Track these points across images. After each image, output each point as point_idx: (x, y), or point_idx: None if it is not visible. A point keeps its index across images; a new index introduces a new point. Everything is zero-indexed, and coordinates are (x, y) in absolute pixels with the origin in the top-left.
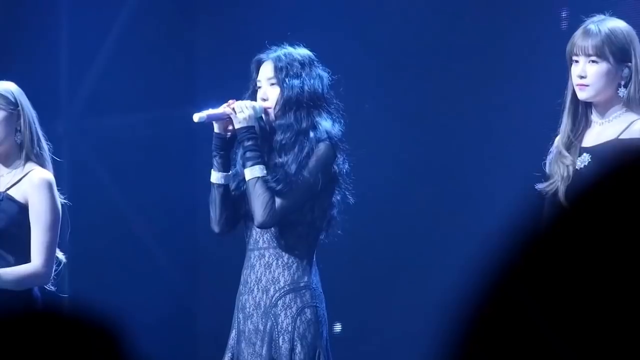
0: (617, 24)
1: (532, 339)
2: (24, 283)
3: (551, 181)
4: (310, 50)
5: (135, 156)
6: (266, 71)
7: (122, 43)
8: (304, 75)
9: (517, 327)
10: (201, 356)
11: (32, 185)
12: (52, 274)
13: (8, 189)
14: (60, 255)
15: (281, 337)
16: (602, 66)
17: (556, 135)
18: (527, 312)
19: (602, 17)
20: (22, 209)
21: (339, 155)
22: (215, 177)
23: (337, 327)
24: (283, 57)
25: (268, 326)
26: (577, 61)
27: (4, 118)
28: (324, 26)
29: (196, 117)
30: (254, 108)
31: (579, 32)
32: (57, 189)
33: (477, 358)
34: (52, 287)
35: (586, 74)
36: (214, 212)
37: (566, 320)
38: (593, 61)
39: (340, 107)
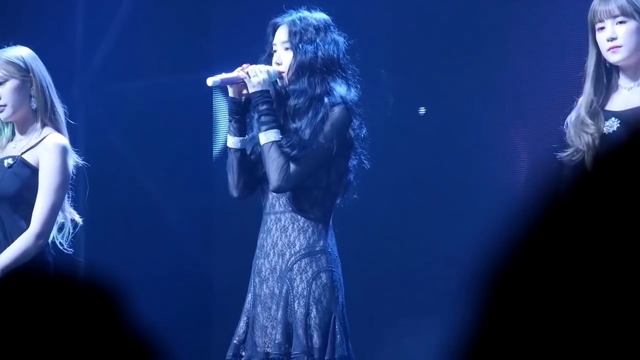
0: None
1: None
2: (23, 258)
3: (573, 150)
4: (328, 14)
5: (150, 121)
6: (281, 35)
7: (137, 8)
8: (318, 40)
9: (538, 311)
10: (217, 319)
11: (45, 148)
12: (49, 238)
13: (23, 153)
14: (77, 217)
15: (296, 301)
16: (631, 24)
17: (575, 103)
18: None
19: None
20: (35, 173)
21: (354, 120)
22: (232, 141)
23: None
24: (298, 22)
25: (284, 290)
26: (602, 27)
27: (16, 86)
28: None
29: (210, 81)
30: (268, 72)
31: (596, 0)
32: (74, 151)
33: (497, 333)
34: (70, 250)
35: (617, 35)
36: (232, 177)
37: (594, 299)
38: (621, 22)
39: (356, 72)
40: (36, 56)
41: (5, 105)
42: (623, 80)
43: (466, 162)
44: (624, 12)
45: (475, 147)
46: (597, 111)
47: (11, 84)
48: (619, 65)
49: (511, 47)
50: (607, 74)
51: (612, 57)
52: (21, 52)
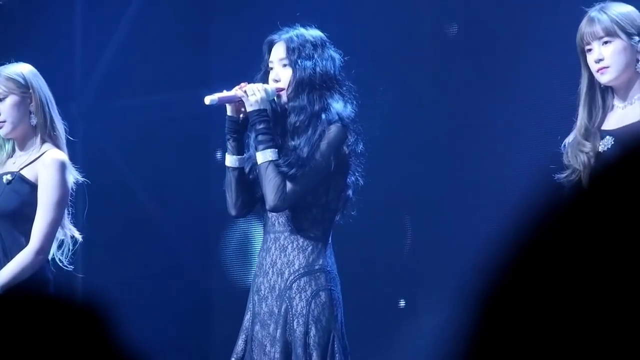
0: (618, 5)
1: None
2: (22, 275)
3: (571, 171)
4: (323, 32)
5: (148, 137)
6: (278, 52)
7: (136, 25)
8: (316, 56)
9: (540, 321)
10: (215, 336)
11: (44, 164)
12: (48, 253)
13: (22, 169)
14: (76, 234)
15: (296, 320)
16: (617, 44)
17: (573, 125)
18: (552, 303)
19: (602, 4)
20: (34, 189)
21: (349, 137)
22: (230, 160)
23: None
24: (295, 38)
25: (283, 309)
26: (590, 49)
27: (16, 102)
28: (337, 7)
29: (207, 99)
30: (265, 91)
31: (584, 22)
32: (74, 167)
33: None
34: (70, 267)
35: (603, 56)
36: (230, 196)
37: (598, 310)
38: (606, 42)
39: (352, 89)
40: (37, 73)
41: (4, 122)
42: (617, 100)
43: (467, 176)
44: (608, 33)
45: (475, 160)
46: (593, 132)
47: (11, 100)
48: (611, 85)
49: (511, 65)
50: (603, 95)
51: (602, 78)
52: (21, 69)
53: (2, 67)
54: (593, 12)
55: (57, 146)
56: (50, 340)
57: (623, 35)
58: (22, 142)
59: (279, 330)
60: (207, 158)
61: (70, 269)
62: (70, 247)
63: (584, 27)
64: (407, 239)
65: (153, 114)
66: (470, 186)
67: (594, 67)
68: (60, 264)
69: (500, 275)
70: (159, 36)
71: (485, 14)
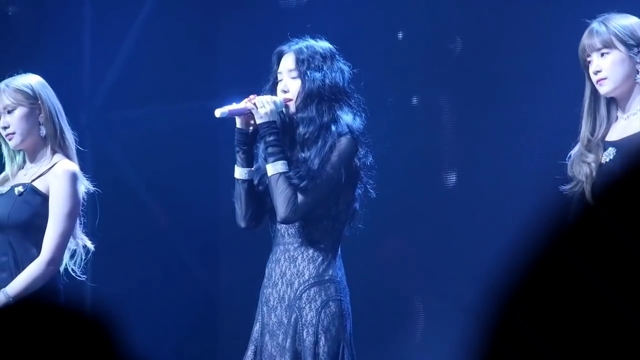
0: (621, 17)
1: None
2: (34, 286)
3: (575, 182)
4: (332, 44)
5: (157, 148)
6: (287, 63)
7: (145, 36)
8: (325, 68)
9: (545, 329)
10: (223, 347)
11: (55, 176)
12: (60, 264)
13: (33, 180)
14: (88, 243)
15: (305, 330)
16: (614, 55)
17: (577, 141)
18: (555, 314)
19: (605, 15)
20: (45, 200)
21: (360, 149)
22: (239, 172)
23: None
24: (305, 50)
25: (292, 319)
26: (590, 61)
27: (24, 114)
28: (346, 20)
29: (218, 112)
30: (274, 103)
31: (585, 34)
32: (85, 177)
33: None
34: (82, 277)
35: (601, 68)
36: (240, 208)
37: (598, 321)
38: (604, 54)
39: (361, 101)
40: (46, 84)
41: (14, 133)
42: (619, 111)
43: (474, 187)
44: (605, 45)
45: (495, 150)
46: (596, 143)
47: (20, 112)
48: (613, 97)
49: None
50: (607, 106)
51: (601, 90)
52: (30, 80)
53: (11, 78)
54: (594, 24)
55: (68, 156)
56: (60, 350)
57: (621, 47)
58: (33, 154)
59: (288, 340)
60: (215, 167)
61: (83, 279)
62: (83, 257)
63: (584, 39)
64: (415, 248)
65: (162, 124)
66: (477, 197)
67: (594, 78)
68: (73, 274)
69: (506, 287)
70: (167, 46)
71: (490, 25)
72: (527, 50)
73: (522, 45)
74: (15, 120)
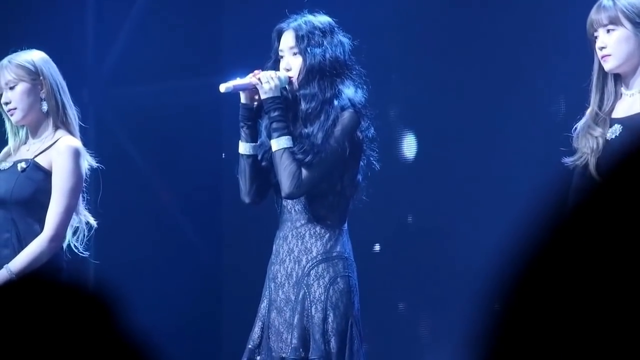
0: None
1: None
2: (37, 262)
3: (580, 154)
4: (331, 17)
5: (160, 124)
6: (288, 40)
7: (149, 11)
8: (325, 43)
9: (549, 312)
10: (227, 324)
11: (58, 152)
12: (63, 240)
13: (36, 156)
14: (91, 220)
15: (314, 307)
16: (620, 32)
17: (585, 110)
18: (558, 295)
19: None
20: (48, 176)
21: (362, 122)
22: (244, 147)
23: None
24: (304, 26)
25: (300, 295)
26: (596, 36)
27: (26, 89)
28: None
29: (222, 87)
30: (279, 78)
31: (594, 8)
32: (88, 153)
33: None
34: (85, 253)
35: (605, 44)
36: (244, 183)
37: (600, 301)
38: (609, 30)
39: (362, 73)
40: (48, 59)
41: (15, 109)
42: (624, 87)
43: (480, 165)
44: (612, 21)
45: (499, 126)
46: (603, 119)
47: (21, 87)
48: (619, 73)
49: (510, 52)
50: (614, 82)
51: (605, 66)
52: (32, 56)
53: (14, 54)
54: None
55: (70, 132)
56: (62, 327)
57: (628, 24)
58: (35, 129)
59: (296, 317)
60: (219, 143)
61: (86, 255)
62: (86, 233)
63: (593, 13)
64: (410, 237)
65: (165, 100)
66: (478, 180)
67: (599, 53)
68: (76, 250)
69: (511, 273)
70: (171, 23)
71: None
72: (535, 20)
73: (530, 16)
74: (16, 96)
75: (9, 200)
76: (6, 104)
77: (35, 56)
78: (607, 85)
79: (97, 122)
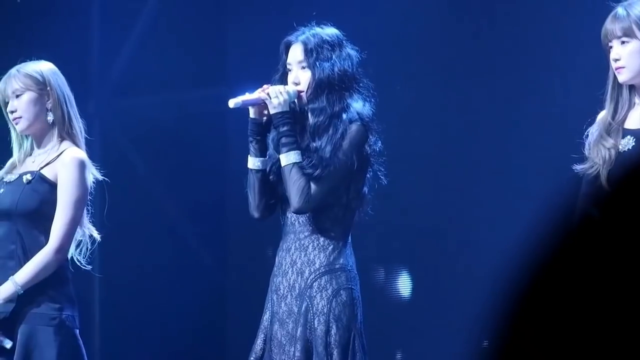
0: None
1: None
2: (43, 274)
3: (591, 164)
4: (339, 29)
5: (166, 136)
6: (296, 54)
7: (154, 23)
8: (334, 56)
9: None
10: (231, 336)
11: (63, 164)
12: (68, 253)
13: (41, 168)
14: (95, 233)
15: (317, 319)
16: (633, 44)
17: (596, 117)
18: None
19: (631, 0)
20: (54, 188)
21: (370, 136)
22: (253, 162)
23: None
24: (312, 39)
25: (303, 308)
26: (611, 47)
27: (32, 99)
28: (353, 4)
29: (231, 102)
30: (288, 93)
31: (608, 18)
32: (95, 166)
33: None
34: (88, 266)
35: (619, 56)
36: (253, 198)
37: (609, 309)
38: (623, 42)
39: (370, 86)
40: (57, 71)
41: (20, 117)
42: (638, 98)
43: (497, 155)
44: (625, 33)
45: (506, 136)
46: (615, 128)
47: (27, 96)
48: (633, 84)
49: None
50: (628, 92)
51: (619, 78)
52: (41, 67)
53: (23, 64)
54: (619, 9)
55: (76, 144)
56: None
57: None
58: (40, 140)
59: (299, 329)
60: (224, 155)
61: (89, 269)
62: (89, 247)
63: (607, 23)
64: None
65: (171, 111)
66: (487, 188)
67: (613, 65)
68: (79, 264)
69: (520, 281)
70: (176, 33)
71: (505, 10)
72: (547, 29)
73: (543, 24)
74: (22, 105)
75: (15, 212)
76: (12, 112)
77: (43, 67)
78: (621, 94)
79: (103, 134)
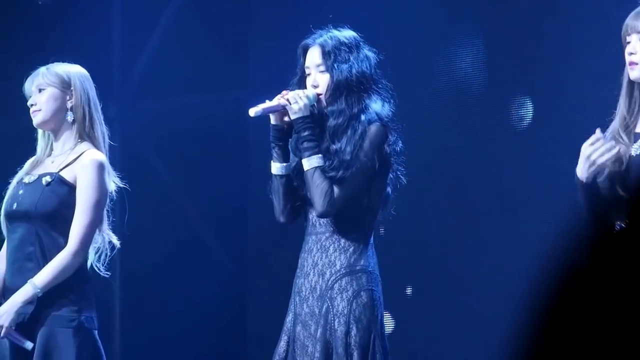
0: None
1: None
2: (61, 276)
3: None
4: (356, 32)
5: (186, 139)
6: (314, 57)
7: (175, 26)
8: (351, 59)
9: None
10: (253, 339)
11: (82, 165)
12: (87, 255)
13: (61, 170)
14: (114, 239)
15: (337, 320)
16: None
17: (611, 121)
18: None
19: None
20: (73, 190)
21: (390, 136)
22: (276, 168)
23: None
24: (330, 42)
25: (324, 309)
26: (629, 42)
27: (53, 95)
28: (370, 6)
29: (252, 111)
30: (307, 97)
31: (631, 14)
32: (116, 174)
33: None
34: (107, 273)
35: (636, 51)
36: (278, 203)
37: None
38: None
39: (389, 87)
40: (86, 75)
41: (39, 110)
42: None
43: (517, 159)
44: None
45: (527, 140)
46: (629, 128)
47: (49, 91)
48: None
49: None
50: (638, 89)
51: (632, 74)
52: (70, 68)
53: (54, 64)
54: None
55: (96, 147)
56: None
57: None
58: (58, 138)
59: (319, 330)
60: (245, 158)
61: (107, 276)
62: (108, 254)
63: (629, 18)
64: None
65: (191, 115)
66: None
67: (626, 59)
68: (98, 271)
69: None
70: (197, 36)
71: (520, 15)
72: (568, 28)
73: (566, 24)
74: (42, 99)
75: (34, 214)
76: (32, 105)
77: (72, 68)
78: (633, 92)
79: (124, 139)
